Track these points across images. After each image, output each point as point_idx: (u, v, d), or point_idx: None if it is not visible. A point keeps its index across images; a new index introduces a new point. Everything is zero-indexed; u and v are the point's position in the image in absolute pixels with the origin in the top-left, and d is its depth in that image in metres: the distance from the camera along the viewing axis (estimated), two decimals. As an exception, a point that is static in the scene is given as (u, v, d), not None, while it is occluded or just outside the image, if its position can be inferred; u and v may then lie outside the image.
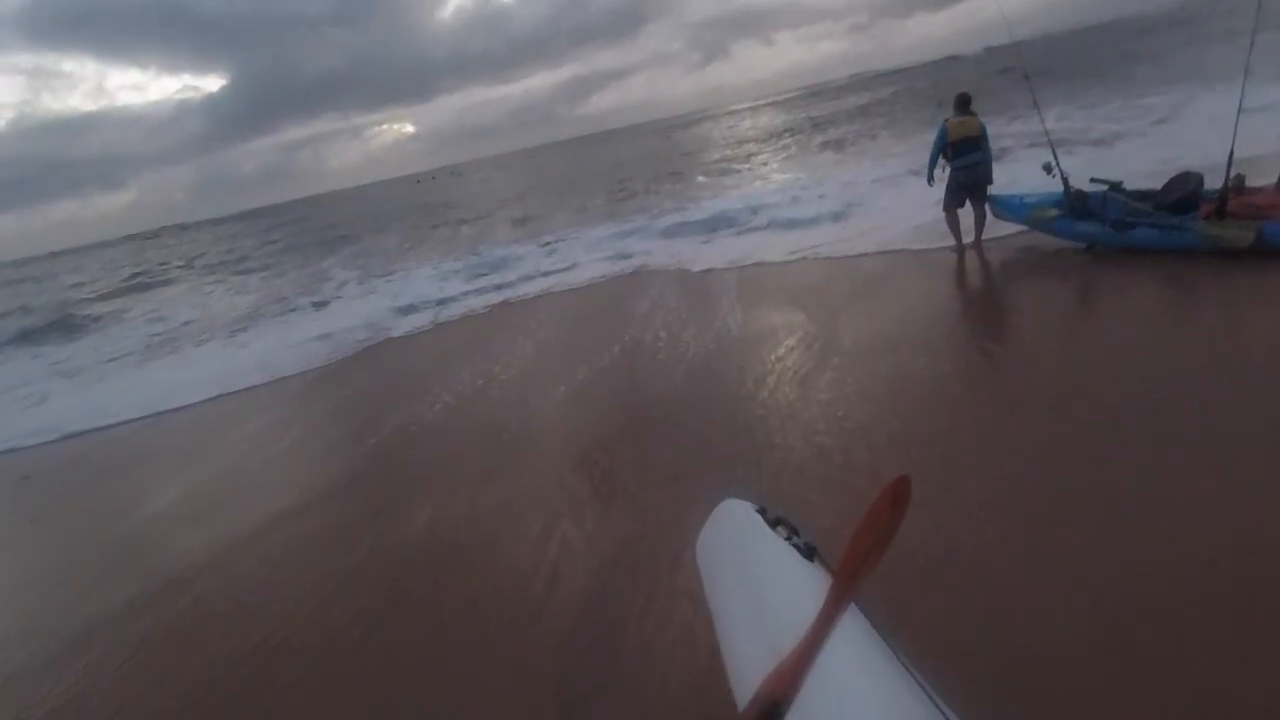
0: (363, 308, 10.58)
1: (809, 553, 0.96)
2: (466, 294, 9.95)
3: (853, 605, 0.78)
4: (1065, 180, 5.98)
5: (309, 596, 3.30)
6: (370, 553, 3.60)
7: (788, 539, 0.98)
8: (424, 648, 2.75)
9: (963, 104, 6.69)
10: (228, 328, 11.81)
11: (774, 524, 1.03)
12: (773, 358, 5.01)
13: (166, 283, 23.21)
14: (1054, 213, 6.02)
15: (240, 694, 2.73)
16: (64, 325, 15.98)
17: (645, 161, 30.53)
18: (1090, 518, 2.62)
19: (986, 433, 3.44)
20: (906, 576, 2.35)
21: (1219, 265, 4.84)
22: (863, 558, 0.73)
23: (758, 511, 1.08)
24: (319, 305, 11.99)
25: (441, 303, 9.72)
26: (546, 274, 10.11)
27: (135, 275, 27.30)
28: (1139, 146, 9.61)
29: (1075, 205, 5.90)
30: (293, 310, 12.05)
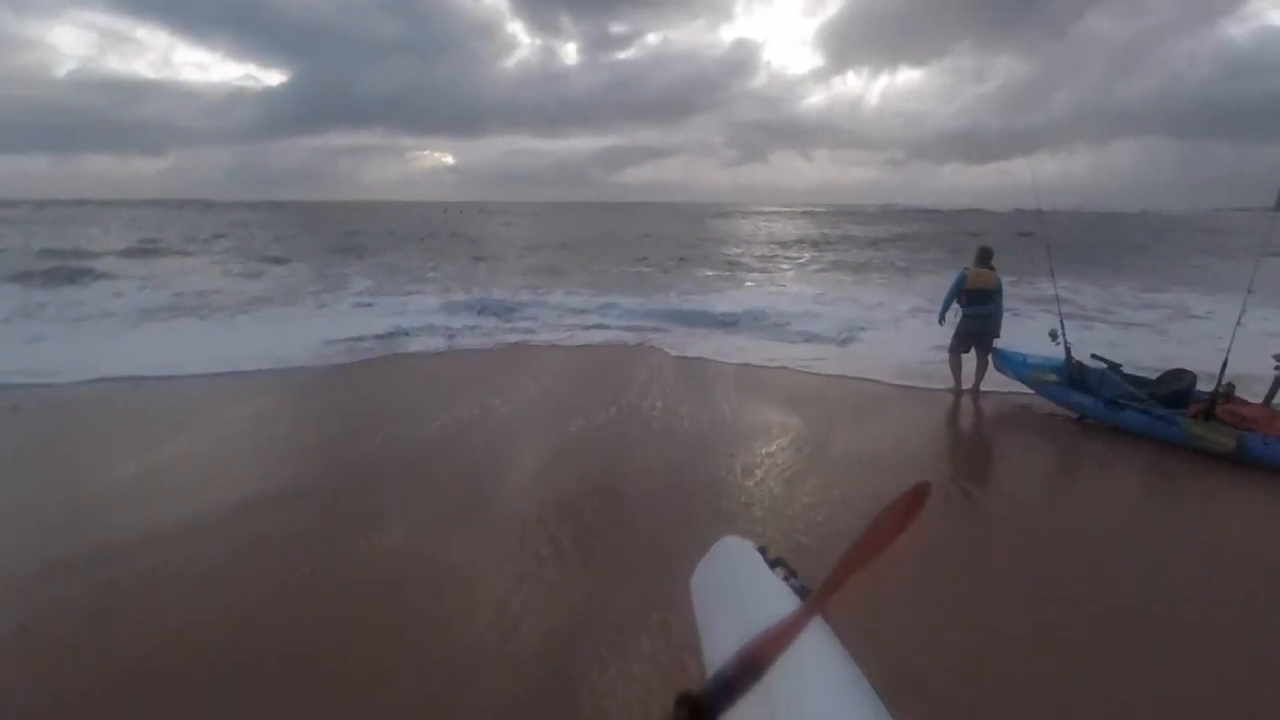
0: (370, 319, 10.71)
1: (804, 594, 0.95)
2: (472, 328, 10.17)
3: (828, 629, 0.81)
4: (1068, 350, 6.27)
5: (266, 594, 3.28)
6: (339, 559, 3.59)
7: (785, 579, 0.98)
8: (377, 665, 2.74)
9: (984, 257, 7.08)
10: (235, 309, 11.92)
11: (773, 564, 1.03)
12: (764, 452, 5.12)
13: (184, 254, 23.37)
14: (1053, 378, 6.28)
15: (161, 677, 2.69)
16: (70, 273, 16.06)
17: (669, 241, 31.38)
18: (1031, 659, 2.71)
19: (956, 565, 3.53)
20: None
21: (1198, 464, 5.05)
22: (875, 546, 0.78)
23: (758, 550, 1.08)
24: (322, 307, 12.17)
25: (448, 332, 9.91)
26: (551, 326, 10.38)
27: (152, 240, 27.52)
28: (1141, 336, 10.03)
29: (1074, 376, 6.17)
30: (300, 306, 12.22)
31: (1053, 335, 6.31)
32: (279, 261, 20.72)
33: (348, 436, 5.53)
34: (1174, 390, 5.59)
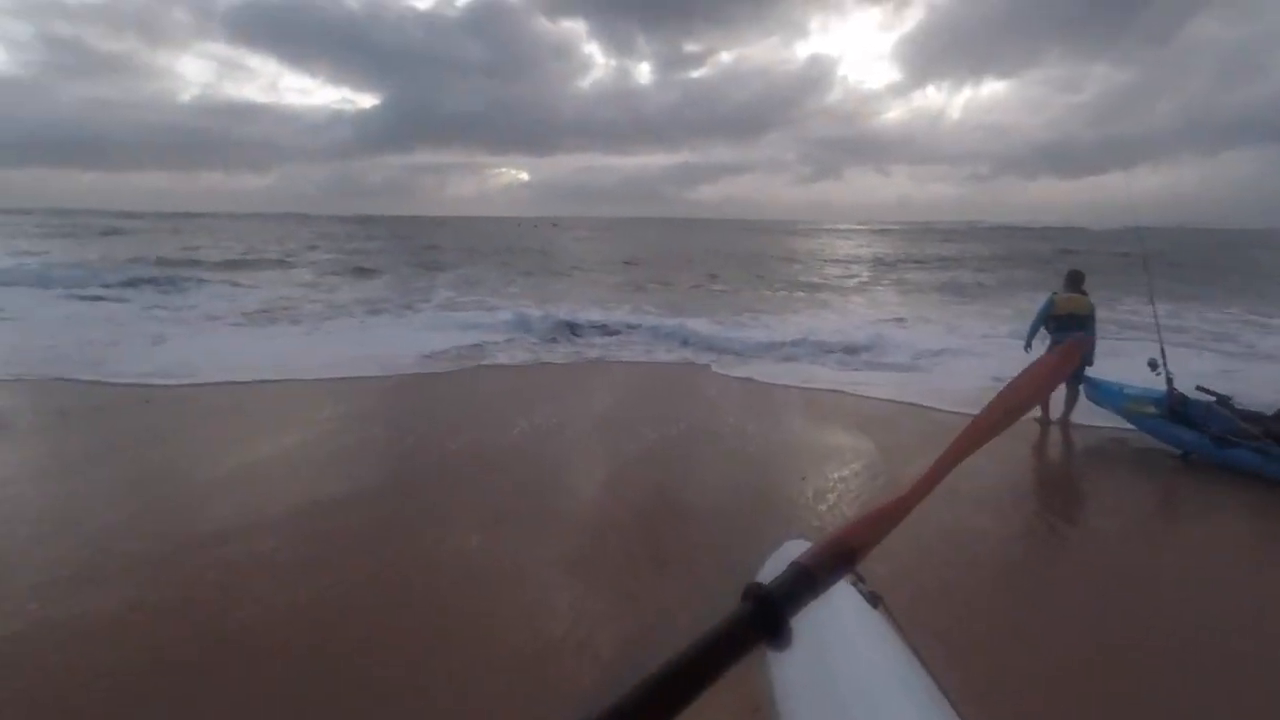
0: (452, 331, 11.15)
1: (874, 600, 0.93)
2: (548, 342, 10.49)
3: (891, 623, 0.80)
4: (1170, 380, 5.88)
5: (349, 588, 3.50)
6: (420, 558, 3.80)
7: (853, 584, 0.94)
8: (454, 664, 2.88)
9: (1074, 281, 6.76)
10: (327, 317, 12.70)
11: None
12: (836, 476, 5.06)
13: (285, 264, 25.01)
14: (1152, 410, 5.91)
15: (247, 654, 2.91)
16: (184, 280, 17.49)
17: (739, 259, 31.22)
18: (1103, 682, 2.57)
19: (1037, 604, 3.40)
20: None
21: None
22: (1023, 400, 0.71)
23: None
24: (409, 316, 12.83)
25: (526, 345, 10.26)
26: (623, 343, 10.57)
27: (257, 250, 29.61)
28: (1258, 367, 9.28)
29: (1176, 409, 5.78)
30: (390, 315, 12.89)
31: (1152, 365, 5.94)
32: (370, 273, 21.95)
33: (433, 441, 5.82)
34: (1294, 427, 5.18)
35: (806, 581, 0.54)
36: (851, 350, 10.11)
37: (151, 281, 16.81)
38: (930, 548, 3.83)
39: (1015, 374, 0.72)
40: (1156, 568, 3.91)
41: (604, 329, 11.51)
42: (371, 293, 16.88)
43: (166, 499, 4.60)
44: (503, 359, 9.44)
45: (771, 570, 1.15)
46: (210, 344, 9.90)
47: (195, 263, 22.87)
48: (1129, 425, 6.16)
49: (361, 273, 22.01)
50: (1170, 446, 5.79)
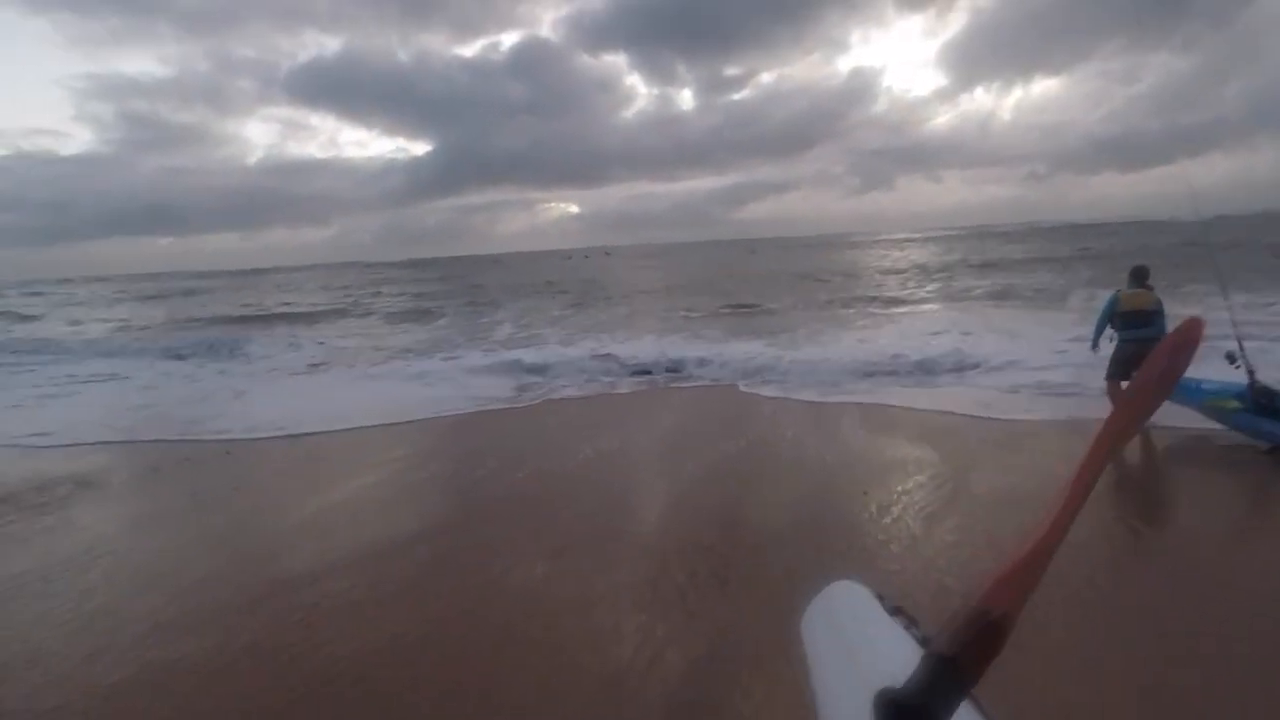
0: (502, 372, 11.20)
1: (928, 644, 0.93)
2: (602, 374, 10.55)
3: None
4: (1251, 372, 5.60)
5: (427, 621, 3.67)
6: (491, 588, 3.95)
7: (906, 628, 0.89)
8: (528, 690, 2.99)
9: (1139, 276, 6.54)
10: (386, 361, 13.28)
11: (892, 612, 0.93)
12: (899, 489, 5.00)
13: (348, 313, 26.29)
14: (1235, 404, 5.63)
15: (338, 695, 3.08)
16: (261, 334, 18.58)
17: (789, 278, 30.97)
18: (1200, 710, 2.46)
19: (1125, 609, 3.28)
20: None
21: None
22: (1151, 395, 0.63)
23: (875, 596, 0.99)
24: (459, 357, 13.20)
25: (580, 377, 10.39)
26: (672, 372, 10.47)
27: (320, 301, 31.22)
28: None
29: (1260, 401, 5.50)
30: (445, 357, 13.25)
31: (1230, 358, 5.67)
32: (427, 314, 22.85)
33: (497, 474, 6.02)
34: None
35: (953, 676, 0.43)
36: (912, 363, 9.84)
37: (229, 340, 17.92)
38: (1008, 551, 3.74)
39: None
40: (1252, 569, 3.72)
41: (649, 358, 11.26)
42: (428, 334, 17.57)
43: (249, 548, 4.92)
44: (561, 392, 9.61)
45: (817, 613, 1.02)
46: (282, 396, 10.47)
47: (267, 317, 24.31)
48: (1211, 423, 5.88)
49: (419, 314, 22.98)
50: (1257, 441, 5.50)
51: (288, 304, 30.79)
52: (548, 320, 18.67)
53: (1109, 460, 0.59)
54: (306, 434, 7.97)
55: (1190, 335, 0.65)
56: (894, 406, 7.64)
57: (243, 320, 23.69)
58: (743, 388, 9.21)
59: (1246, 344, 5.79)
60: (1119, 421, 0.62)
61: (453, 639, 3.40)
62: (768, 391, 8.80)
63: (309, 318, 24.90)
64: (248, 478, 6.66)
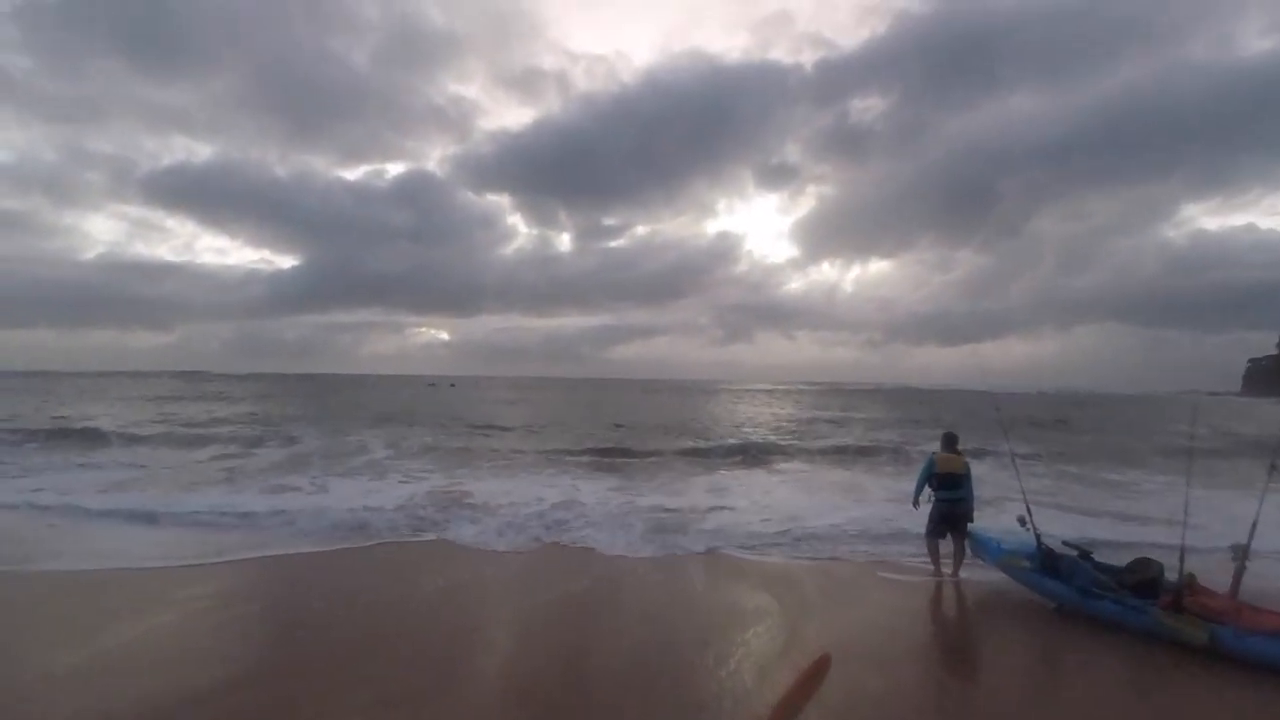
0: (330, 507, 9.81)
1: None
2: (435, 523, 9.11)
3: None
4: (1038, 537, 6.33)
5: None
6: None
7: None
8: None
9: (949, 442, 7.39)
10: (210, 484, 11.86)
11: None
12: (737, 640, 5.03)
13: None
14: (1026, 564, 6.30)
15: None
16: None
17: (650, 423, 31.60)
18: None
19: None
20: None
21: (1177, 656, 4.99)
22: (789, 713, 0.77)
23: None
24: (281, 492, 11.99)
25: (417, 524, 8.99)
26: (510, 524, 8.90)
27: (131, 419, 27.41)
28: (1102, 516, 10.11)
29: (1046, 563, 6.19)
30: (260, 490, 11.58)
31: (1021, 521, 6.39)
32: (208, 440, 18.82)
33: (321, 620, 5.41)
34: (1144, 579, 5.63)
35: None
36: (752, 521, 9.91)
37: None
38: (833, 711, 3.82)
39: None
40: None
41: (487, 507, 9.87)
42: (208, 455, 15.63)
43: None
44: (392, 538, 8.38)
45: None
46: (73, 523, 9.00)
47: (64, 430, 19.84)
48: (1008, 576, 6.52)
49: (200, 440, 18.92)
50: (1044, 599, 6.14)
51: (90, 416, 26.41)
52: (381, 457, 15.99)
53: None
54: (80, 570, 6.81)
55: (820, 669, 0.86)
56: (731, 555, 7.82)
57: (57, 435, 18.78)
58: (593, 543, 8.41)
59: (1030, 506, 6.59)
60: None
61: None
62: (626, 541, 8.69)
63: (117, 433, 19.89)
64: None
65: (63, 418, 23.04)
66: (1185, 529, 5.39)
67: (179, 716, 3.77)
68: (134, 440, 18.18)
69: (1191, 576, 5.32)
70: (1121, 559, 6.17)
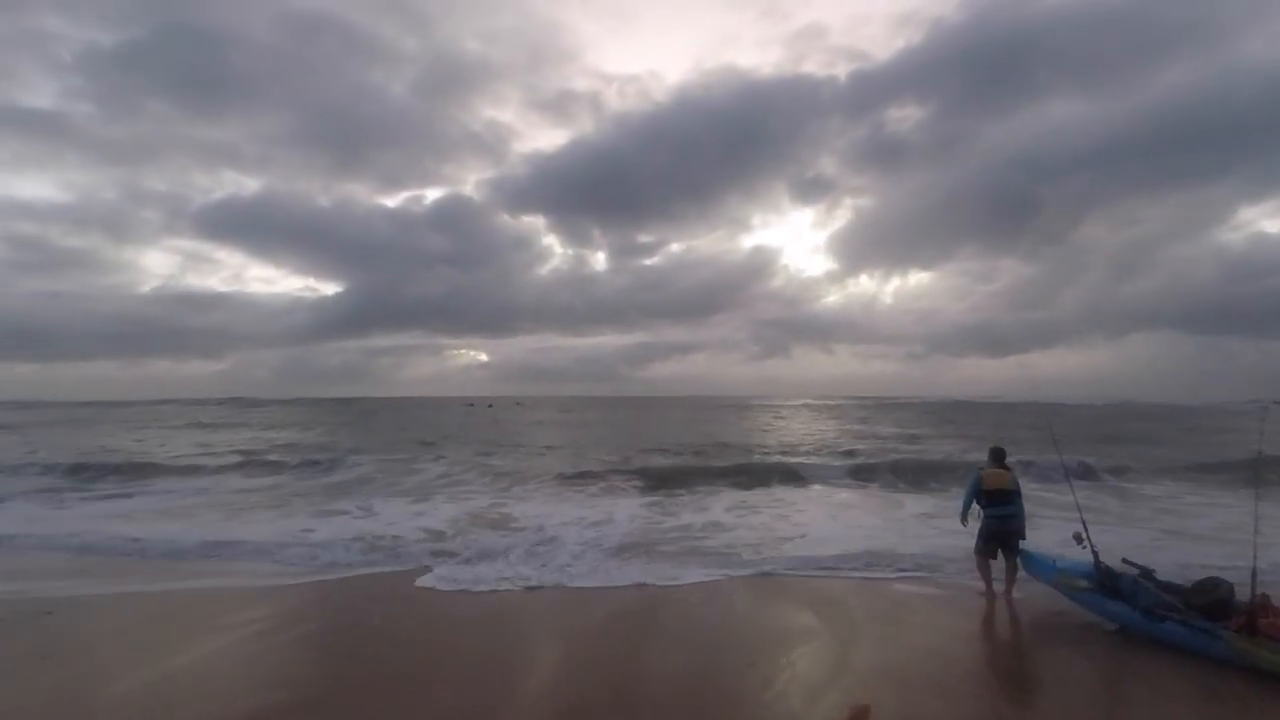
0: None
1: None
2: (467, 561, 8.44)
3: None
4: (1096, 554, 6.09)
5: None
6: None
7: None
8: None
9: (997, 457, 7.16)
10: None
11: None
12: (783, 662, 4.95)
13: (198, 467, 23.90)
14: (1083, 584, 6.05)
15: None
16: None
17: (695, 437, 31.52)
18: None
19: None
20: None
21: (1252, 683, 4.70)
22: None
23: None
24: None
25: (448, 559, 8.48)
26: (548, 564, 8.26)
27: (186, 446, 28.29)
28: (1160, 537, 9.64)
29: (1105, 582, 5.93)
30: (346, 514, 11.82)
31: (1077, 538, 6.16)
32: (322, 466, 19.06)
33: (376, 641, 5.49)
34: (1213, 600, 5.33)
35: None
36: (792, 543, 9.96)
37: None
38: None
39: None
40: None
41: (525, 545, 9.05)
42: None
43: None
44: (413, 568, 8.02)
45: None
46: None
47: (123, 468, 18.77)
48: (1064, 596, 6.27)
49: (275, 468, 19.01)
50: (1105, 620, 5.88)
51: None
52: (418, 483, 15.88)
53: None
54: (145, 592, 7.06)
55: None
56: (777, 575, 7.70)
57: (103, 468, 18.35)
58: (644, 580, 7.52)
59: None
60: None
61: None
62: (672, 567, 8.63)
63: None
64: (68, 642, 5.76)
65: (116, 450, 23.66)
66: (1256, 546, 5.11)
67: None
68: (194, 469, 18.62)
69: (1265, 597, 5.03)
70: (1187, 579, 5.88)
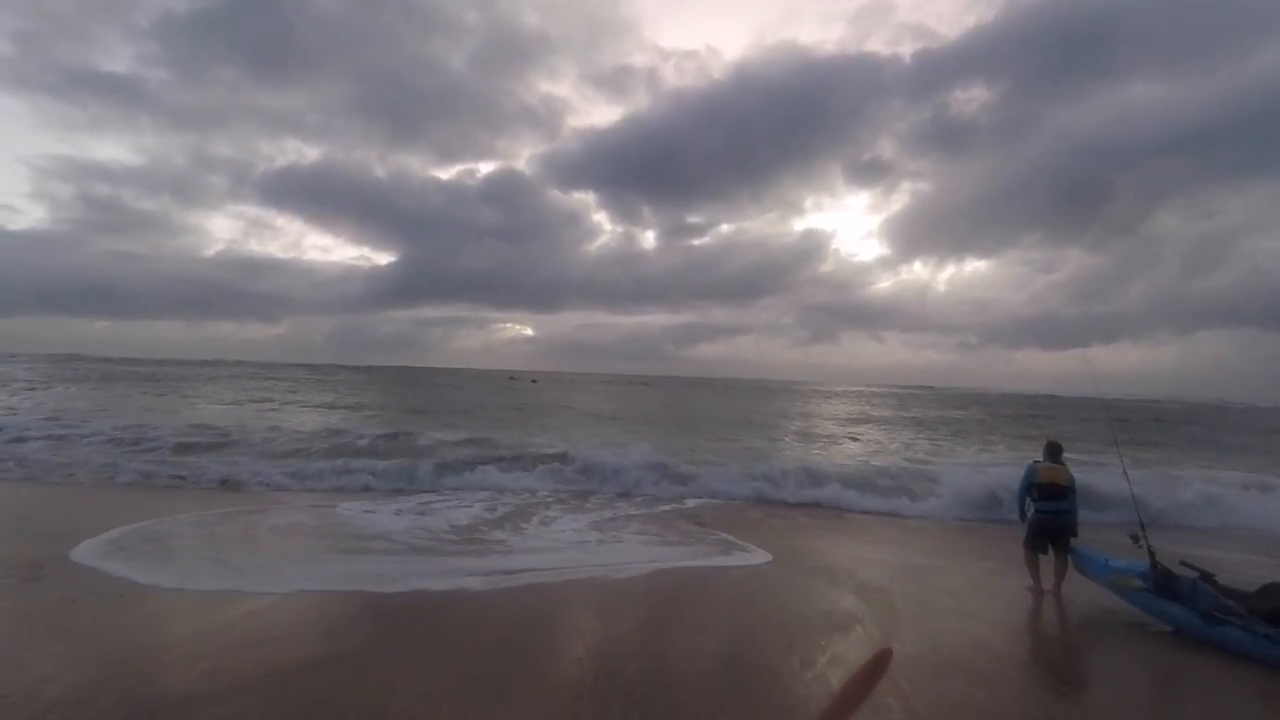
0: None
1: None
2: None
3: None
4: (1152, 554, 5.88)
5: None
6: None
7: None
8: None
9: (1053, 452, 6.98)
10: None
11: None
12: (821, 643, 4.98)
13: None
14: (1138, 584, 5.87)
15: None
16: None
17: (753, 419, 31.41)
18: None
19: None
20: None
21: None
22: (847, 707, 0.78)
23: None
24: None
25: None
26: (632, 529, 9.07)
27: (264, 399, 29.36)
28: (1223, 542, 9.23)
29: (1161, 583, 5.75)
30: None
31: (1133, 538, 5.97)
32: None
33: (418, 609, 5.71)
34: (1277, 605, 5.14)
35: None
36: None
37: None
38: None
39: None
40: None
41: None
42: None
43: (125, 661, 4.53)
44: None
45: None
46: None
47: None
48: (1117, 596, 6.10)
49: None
50: (1160, 622, 5.71)
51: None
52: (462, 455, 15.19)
53: None
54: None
55: (881, 663, 0.83)
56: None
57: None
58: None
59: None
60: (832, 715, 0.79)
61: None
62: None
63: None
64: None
65: (201, 426, 21.90)
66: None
67: (289, 684, 4.11)
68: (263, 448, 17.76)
69: (1336, 605, 4.82)
70: (1252, 583, 5.64)
